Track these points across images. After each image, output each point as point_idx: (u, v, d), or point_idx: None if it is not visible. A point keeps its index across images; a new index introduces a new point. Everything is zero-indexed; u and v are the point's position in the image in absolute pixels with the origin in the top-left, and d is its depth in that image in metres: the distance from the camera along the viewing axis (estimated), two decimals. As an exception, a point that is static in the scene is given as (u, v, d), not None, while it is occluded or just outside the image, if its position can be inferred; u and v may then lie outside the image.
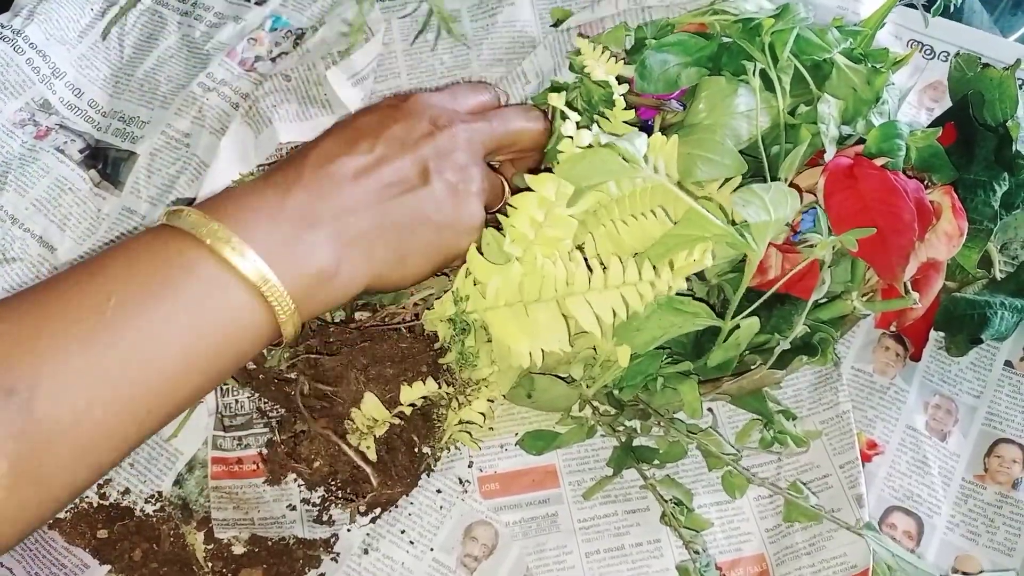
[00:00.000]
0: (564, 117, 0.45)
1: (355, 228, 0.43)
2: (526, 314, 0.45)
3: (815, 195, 0.51)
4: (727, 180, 0.50)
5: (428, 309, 0.52)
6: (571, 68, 0.60)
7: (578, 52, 0.54)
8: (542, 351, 0.46)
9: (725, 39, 0.54)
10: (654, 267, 0.45)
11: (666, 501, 0.53)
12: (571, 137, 0.45)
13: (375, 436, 0.47)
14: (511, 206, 0.47)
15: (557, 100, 0.48)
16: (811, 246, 0.47)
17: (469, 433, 0.52)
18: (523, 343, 0.45)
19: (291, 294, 0.40)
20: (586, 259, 0.47)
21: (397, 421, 0.48)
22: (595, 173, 0.42)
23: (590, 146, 0.46)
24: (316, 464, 0.47)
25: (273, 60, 0.69)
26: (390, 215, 0.43)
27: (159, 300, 0.37)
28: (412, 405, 0.47)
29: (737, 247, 0.44)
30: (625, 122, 0.51)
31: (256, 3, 0.72)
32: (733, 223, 0.46)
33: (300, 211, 0.41)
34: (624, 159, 0.43)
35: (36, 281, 0.60)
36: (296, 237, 0.40)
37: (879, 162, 0.49)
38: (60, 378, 0.34)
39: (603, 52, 0.53)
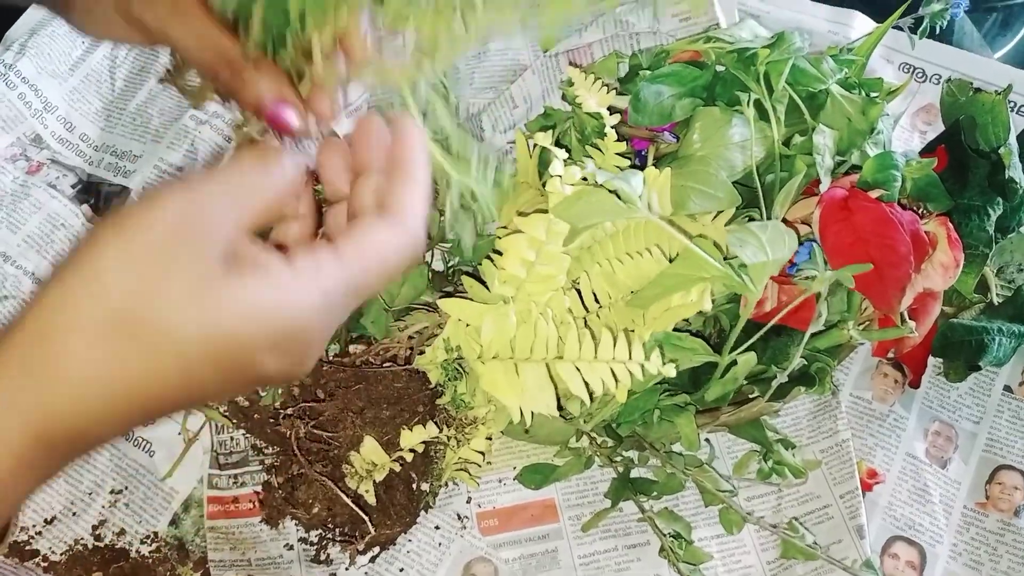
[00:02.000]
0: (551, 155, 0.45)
1: None
2: (516, 372, 0.45)
3: (810, 226, 0.51)
4: (720, 212, 0.50)
5: (423, 340, 0.52)
6: (563, 98, 0.60)
7: (570, 82, 0.54)
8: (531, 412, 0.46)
9: (719, 68, 0.54)
10: (646, 348, 0.45)
11: (664, 535, 0.52)
12: (559, 176, 0.45)
13: (374, 480, 0.46)
14: (497, 253, 0.46)
15: (544, 139, 0.48)
16: (807, 278, 0.47)
17: (468, 471, 0.52)
18: (512, 399, 0.45)
19: None
20: (581, 298, 0.47)
21: (397, 467, 0.47)
22: (592, 213, 0.42)
23: (584, 179, 0.45)
24: (314, 509, 0.46)
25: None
26: None
27: None
28: (412, 450, 0.47)
29: (735, 288, 0.44)
30: (618, 153, 0.50)
31: (248, 34, 0.72)
32: (726, 258, 0.45)
33: None
34: (620, 199, 0.42)
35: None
36: None
37: (874, 194, 0.49)
38: None
39: (595, 82, 0.53)
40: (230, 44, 0.37)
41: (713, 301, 0.52)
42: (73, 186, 0.67)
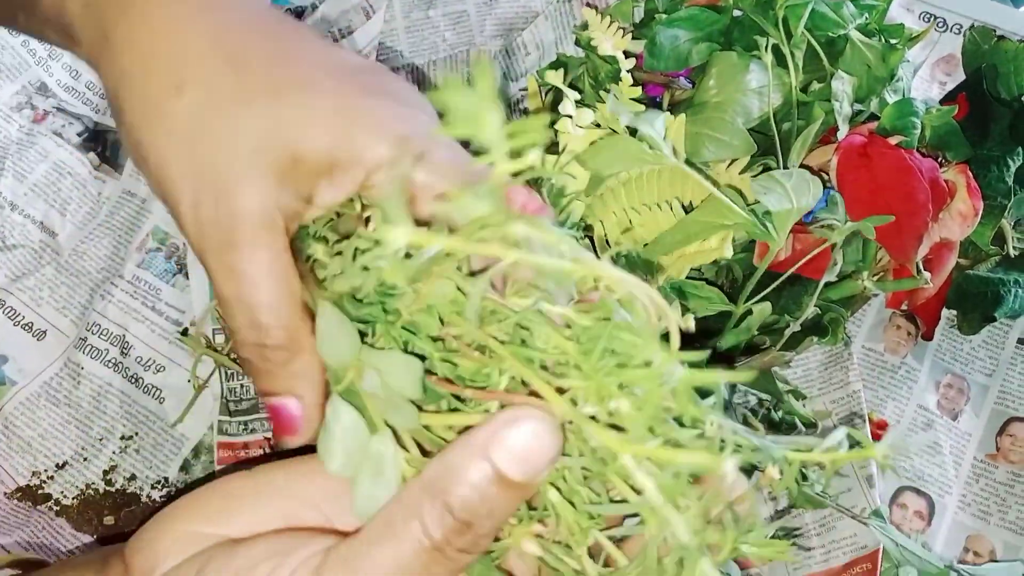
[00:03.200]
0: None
1: None
2: None
3: (827, 173, 0.50)
4: (734, 160, 0.49)
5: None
6: (577, 43, 0.59)
7: (585, 25, 0.53)
8: None
9: (737, 13, 0.53)
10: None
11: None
12: (570, 116, 0.44)
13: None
14: None
15: (555, 78, 0.47)
16: (824, 226, 0.47)
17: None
18: None
19: None
20: (594, 247, 0.46)
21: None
22: (618, 161, 0.41)
23: (597, 125, 0.45)
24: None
25: (273, 38, 0.67)
26: None
27: None
28: None
29: (758, 236, 0.43)
30: (632, 99, 0.50)
31: (254, -21, 0.70)
32: (747, 206, 0.45)
33: None
34: (649, 146, 0.42)
35: (38, 268, 0.60)
36: None
37: (893, 140, 0.48)
38: None
39: (611, 24, 0.52)
40: (275, 294, 0.30)
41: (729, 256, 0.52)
42: (79, 134, 0.66)
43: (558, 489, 0.26)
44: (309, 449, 0.31)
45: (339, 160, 0.32)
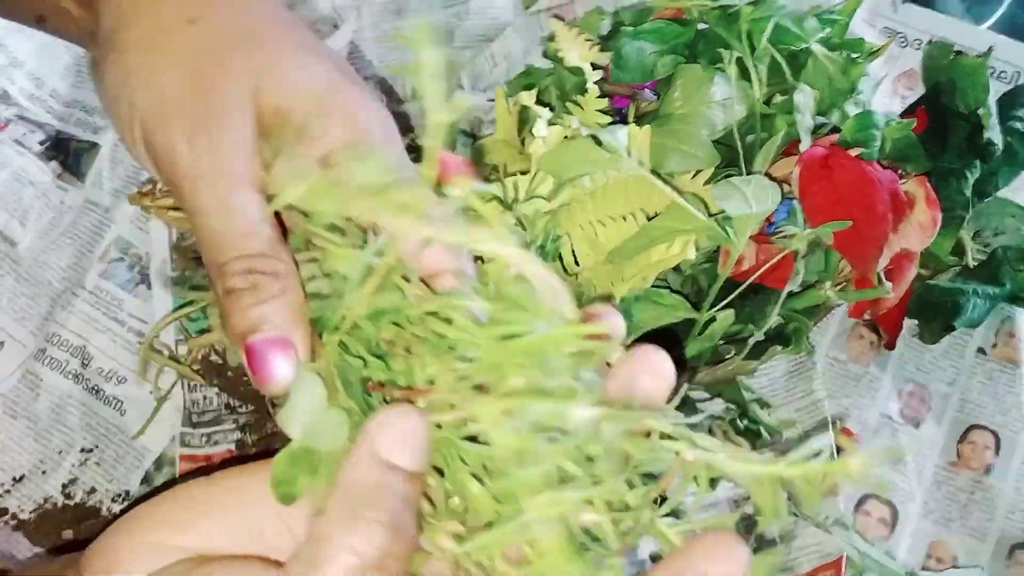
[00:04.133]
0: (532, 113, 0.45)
1: None
2: None
3: (789, 185, 0.51)
4: (698, 172, 0.50)
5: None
6: (545, 54, 0.59)
7: (552, 37, 0.53)
8: None
9: (702, 26, 0.53)
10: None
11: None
12: (543, 137, 0.44)
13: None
14: None
15: (527, 99, 0.47)
16: (785, 237, 0.47)
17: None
18: None
19: None
20: (562, 262, 0.46)
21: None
22: (577, 165, 0.42)
23: (566, 137, 0.45)
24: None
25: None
26: None
27: None
28: None
29: (718, 241, 0.44)
30: (599, 110, 0.50)
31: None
32: (710, 215, 0.45)
33: None
34: (606, 150, 0.42)
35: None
36: None
37: (854, 152, 0.49)
38: None
39: (578, 35, 0.52)
40: (267, 229, 0.30)
41: (692, 266, 0.52)
42: (41, 142, 0.65)
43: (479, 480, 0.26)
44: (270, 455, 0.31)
45: (310, 129, 0.32)
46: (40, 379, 0.56)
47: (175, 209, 0.43)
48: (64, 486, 0.54)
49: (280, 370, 0.29)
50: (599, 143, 0.43)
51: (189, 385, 0.56)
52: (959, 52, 0.58)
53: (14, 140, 0.65)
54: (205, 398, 0.56)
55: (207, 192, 0.31)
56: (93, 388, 0.56)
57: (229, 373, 0.52)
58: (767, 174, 0.51)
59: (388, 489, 0.26)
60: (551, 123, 0.49)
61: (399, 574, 0.26)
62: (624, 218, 0.46)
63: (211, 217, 0.30)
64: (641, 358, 0.28)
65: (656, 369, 0.28)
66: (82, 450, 0.55)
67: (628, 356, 0.28)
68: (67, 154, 0.65)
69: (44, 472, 0.54)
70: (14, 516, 0.53)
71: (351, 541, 0.26)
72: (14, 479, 0.54)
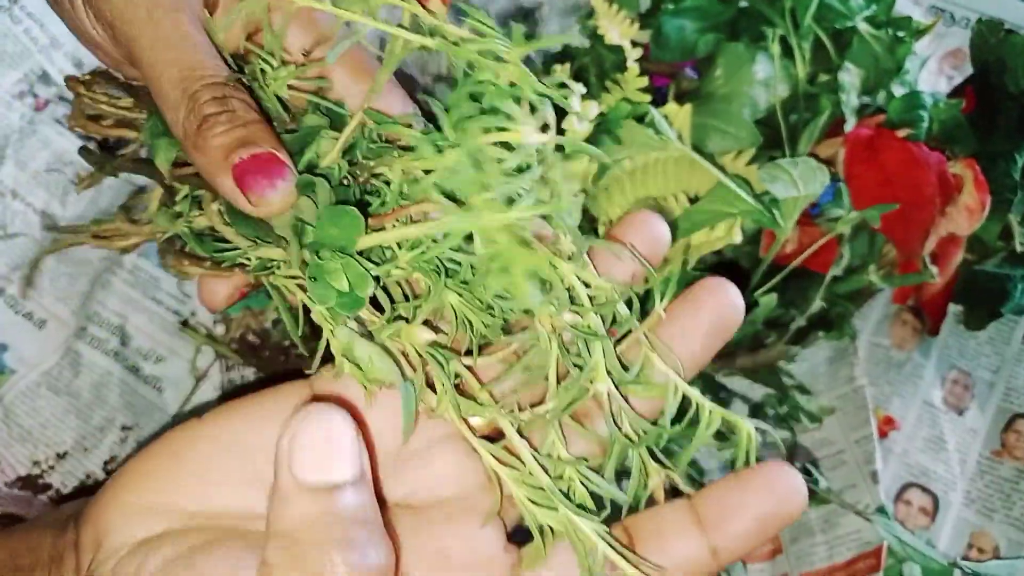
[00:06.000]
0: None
1: None
2: None
3: (834, 166, 0.50)
4: (740, 152, 0.49)
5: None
6: (582, 31, 0.59)
7: (590, 14, 0.52)
8: None
9: (744, 3, 0.52)
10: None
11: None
12: (577, 113, 0.43)
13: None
14: None
15: (561, 73, 0.47)
16: (830, 220, 0.46)
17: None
18: None
19: None
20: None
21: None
22: (624, 147, 0.41)
23: (602, 114, 0.44)
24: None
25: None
26: None
27: None
28: None
29: (764, 224, 0.43)
30: (639, 89, 0.49)
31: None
32: (757, 197, 0.44)
33: None
34: (656, 132, 0.41)
35: (38, 256, 0.59)
36: None
37: (901, 133, 0.48)
38: None
39: (618, 12, 0.51)
40: (215, 67, 0.29)
41: (733, 248, 0.51)
42: (81, 123, 0.66)
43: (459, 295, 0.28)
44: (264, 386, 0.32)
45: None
46: (81, 356, 0.56)
47: (111, 102, 0.41)
48: (105, 463, 0.55)
49: (275, 186, 0.27)
50: (640, 122, 0.42)
51: (226, 365, 0.56)
52: (1010, 31, 0.57)
53: (55, 120, 0.65)
54: (242, 377, 0.56)
55: (168, 25, 0.29)
56: (132, 366, 0.56)
57: (266, 353, 0.52)
58: (811, 155, 0.50)
59: (330, 518, 0.23)
60: (584, 98, 0.48)
61: None
62: (666, 199, 0.46)
63: (174, 50, 0.29)
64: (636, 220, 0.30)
65: (649, 231, 0.30)
66: (122, 428, 0.56)
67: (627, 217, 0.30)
68: (106, 135, 0.65)
69: (86, 449, 0.55)
70: (57, 492, 0.54)
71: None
72: (58, 455, 0.55)
